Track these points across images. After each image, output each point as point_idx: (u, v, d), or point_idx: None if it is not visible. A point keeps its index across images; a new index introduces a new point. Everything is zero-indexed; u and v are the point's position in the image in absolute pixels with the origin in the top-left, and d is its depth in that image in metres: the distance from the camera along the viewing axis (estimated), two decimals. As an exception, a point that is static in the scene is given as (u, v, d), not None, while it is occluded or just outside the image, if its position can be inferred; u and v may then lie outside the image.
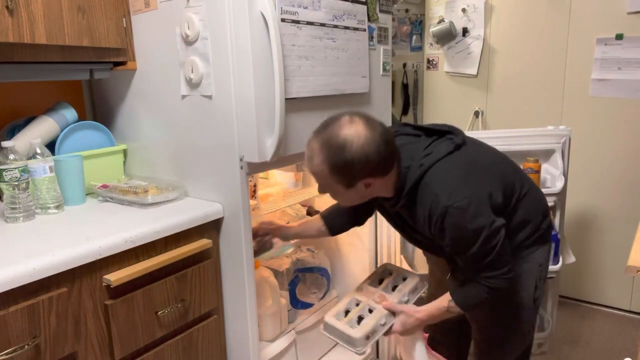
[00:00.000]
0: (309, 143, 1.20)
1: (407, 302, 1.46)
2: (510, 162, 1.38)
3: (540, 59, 2.62)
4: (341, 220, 1.58)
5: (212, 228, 1.45)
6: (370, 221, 2.00)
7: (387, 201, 1.32)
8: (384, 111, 1.89)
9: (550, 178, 1.98)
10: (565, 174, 1.93)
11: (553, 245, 1.52)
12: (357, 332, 1.35)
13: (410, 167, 1.22)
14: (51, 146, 1.51)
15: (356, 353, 1.35)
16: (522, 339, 1.44)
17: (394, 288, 1.51)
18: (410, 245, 2.05)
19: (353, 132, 1.13)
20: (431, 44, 2.94)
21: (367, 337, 1.35)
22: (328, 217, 1.59)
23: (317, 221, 1.60)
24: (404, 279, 1.54)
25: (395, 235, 1.97)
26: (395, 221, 1.41)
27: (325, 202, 2.14)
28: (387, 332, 1.37)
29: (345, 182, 1.19)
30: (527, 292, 1.37)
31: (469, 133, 1.75)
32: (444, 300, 1.30)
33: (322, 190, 1.27)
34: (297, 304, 1.98)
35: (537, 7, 2.59)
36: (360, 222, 1.61)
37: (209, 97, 1.41)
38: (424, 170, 1.21)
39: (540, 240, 1.38)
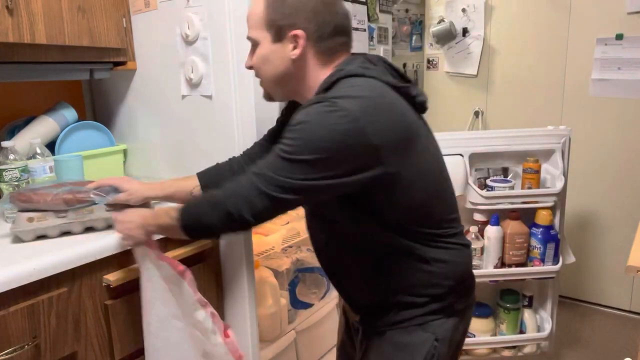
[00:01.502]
0: None
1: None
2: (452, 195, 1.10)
3: (540, 59, 2.62)
4: (220, 170, 1.29)
5: (212, 228, 1.44)
6: (370, 221, 2.01)
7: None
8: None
9: (550, 178, 1.98)
10: (565, 174, 1.93)
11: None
12: None
13: (343, 69, 0.98)
14: (51, 146, 1.51)
15: None
16: None
17: None
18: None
19: None
20: (431, 44, 2.94)
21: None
22: (205, 175, 1.28)
23: (190, 182, 1.28)
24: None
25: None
26: None
27: (325, 202, 2.13)
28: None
29: (276, 26, 0.98)
30: None
31: (469, 134, 1.76)
32: (168, 209, 1.04)
33: (249, 56, 1.05)
34: (297, 304, 1.98)
35: (537, 7, 2.59)
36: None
37: (209, 97, 1.41)
38: (350, 73, 0.96)
39: (448, 310, 1.04)
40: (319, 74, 1.01)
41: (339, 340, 1.37)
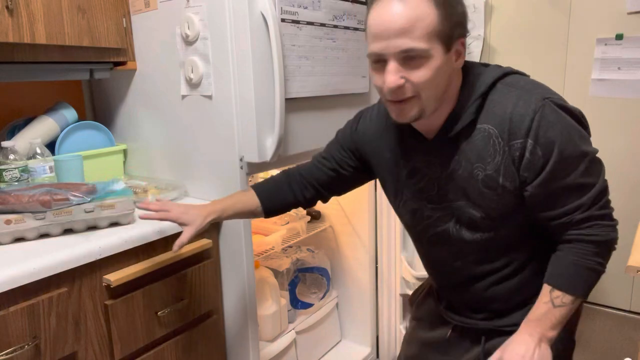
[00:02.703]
0: None
1: None
2: None
3: (540, 59, 2.62)
4: (283, 195, 1.16)
5: (212, 228, 1.44)
6: (370, 221, 2.01)
7: (420, 142, 0.95)
8: None
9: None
10: (565, 174, 1.93)
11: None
12: None
13: (482, 73, 0.91)
14: (51, 146, 1.51)
15: None
16: None
17: None
18: (411, 245, 2.04)
19: None
20: (431, 44, 2.94)
21: None
22: (264, 193, 1.16)
23: (250, 200, 1.15)
24: None
25: (396, 236, 1.96)
26: (432, 192, 0.98)
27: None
28: None
29: (446, 38, 0.83)
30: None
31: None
32: (543, 296, 0.92)
33: (393, 76, 0.84)
34: (297, 304, 1.98)
35: (537, 7, 2.59)
36: (321, 196, 1.18)
37: (209, 97, 1.41)
38: (501, 73, 0.91)
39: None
40: (456, 82, 0.91)
41: (415, 343, 1.26)
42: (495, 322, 1.04)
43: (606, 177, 0.97)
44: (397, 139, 0.99)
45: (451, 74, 0.88)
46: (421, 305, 1.25)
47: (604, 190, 0.89)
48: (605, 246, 0.91)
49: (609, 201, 0.91)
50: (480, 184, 0.90)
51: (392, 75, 0.83)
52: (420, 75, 0.83)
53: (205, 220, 1.09)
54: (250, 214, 1.17)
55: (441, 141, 0.92)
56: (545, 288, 0.92)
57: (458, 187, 0.93)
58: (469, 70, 0.93)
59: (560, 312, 0.91)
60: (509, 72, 0.93)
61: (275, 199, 1.16)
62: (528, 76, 0.97)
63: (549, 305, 0.91)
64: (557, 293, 0.91)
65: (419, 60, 0.82)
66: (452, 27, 0.83)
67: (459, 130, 0.90)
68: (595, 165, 0.88)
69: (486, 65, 0.95)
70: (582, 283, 0.91)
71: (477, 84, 0.90)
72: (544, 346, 0.92)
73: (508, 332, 0.98)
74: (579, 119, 0.89)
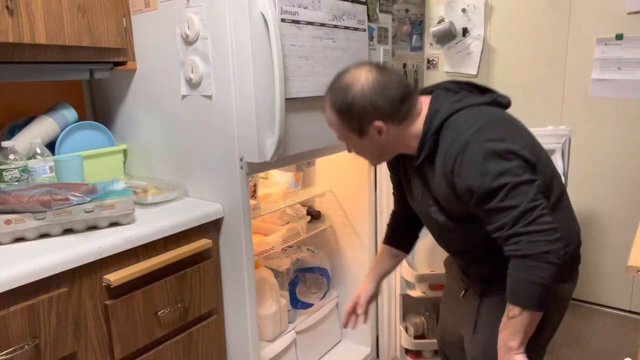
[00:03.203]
0: (324, 97, 1.19)
1: None
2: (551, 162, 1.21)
3: (540, 58, 2.62)
4: (403, 231, 1.45)
5: (212, 228, 1.45)
6: (370, 221, 2.01)
7: (411, 160, 1.20)
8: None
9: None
10: (565, 174, 1.93)
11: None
12: None
13: (439, 110, 1.11)
14: (51, 146, 1.51)
15: None
16: None
17: None
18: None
19: (357, 75, 1.11)
20: (431, 44, 2.94)
21: None
22: (392, 238, 1.46)
23: (387, 252, 1.46)
24: None
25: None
26: (419, 198, 1.24)
27: (326, 203, 2.14)
28: None
29: (356, 128, 1.12)
30: (546, 332, 1.15)
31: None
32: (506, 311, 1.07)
33: (347, 146, 1.22)
34: (297, 304, 1.98)
35: (537, 7, 2.59)
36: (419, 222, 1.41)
37: (209, 97, 1.41)
38: (451, 111, 1.09)
39: (562, 276, 1.12)
40: (410, 130, 1.14)
41: (444, 299, 1.52)
42: (489, 286, 1.22)
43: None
44: (402, 161, 1.28)
45: (389, 139, 1.14)
46: (450, 267, 1.49)
47: (531, 209, 0.99)
48: (537, 259, 0.99)
49: (539, 217, 0.99)
50: (441, 197, 1.14)
51: (346, 146, 1.23)
52: (352, 151, 1.22)
53: (376, 284, 1.46)
54: (397, 262, 1.47)
55: (419, 165, 1.17)
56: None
57: (431, 197, 1.19)
58: (432, 104, 1.14)
59: (515, 323, 1.03)
60: (458, 110, 1.10)
61: (401, 239, 1.46)
62: (485, 100, 1.14)
63: (506, 317, 1.06)
64: (509, 306, 1.04)
65: (348, 142, 1.20)
66: (355, 123, 1.12)
67: (424, 158, 1.14)
68: (517, 191, 1.00)
69: (458, 88, 1.17)
70: (523, 295, 1.01)
71: (433, 122, 1.11)
72: (512, 356, 1.05)
73: (497, 292, 1.15)
74: (500, 154, 1.01)
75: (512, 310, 1.03)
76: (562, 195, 1.17)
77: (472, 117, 1.07)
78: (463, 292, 1.33)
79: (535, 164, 1.06)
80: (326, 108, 1.17)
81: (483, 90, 1.19)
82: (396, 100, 1.10)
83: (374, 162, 1.26)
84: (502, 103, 1.17)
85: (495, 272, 1.13)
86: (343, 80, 1.12)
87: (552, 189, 1.13)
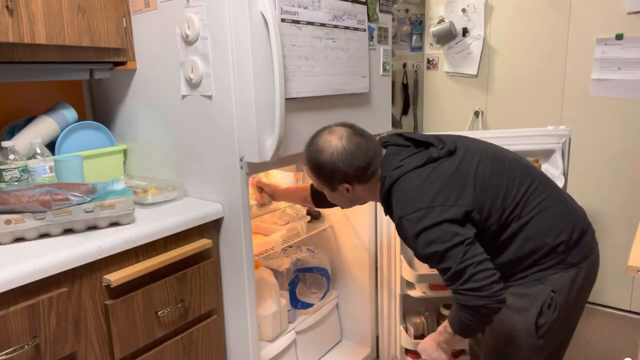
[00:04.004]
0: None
1: None
2: (520, 169, 1.30)
3: (540, 58, 2.62)
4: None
5: (212, 228, 1.45)
6: (370, 221, 2.01)
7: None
8: (384, 111, 1.89)
9: (550, 178, 1.97)
10: (565, 174, 1.93)
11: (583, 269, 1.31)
12: None
13: (386, 177, 1.29)
14: (51, 146, 1.51)
15: None
16: None
17: None
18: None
19: (327, 142, 1.28)
20: (431, 44, 2.94)
21: None
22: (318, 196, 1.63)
23: (305, 190, 1.69)
24: None
25: (395, 236, 1.96)
26: None
27: (325, 202, 2.13)
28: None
29: (328, 185, 1.33)
30: (529, 315, 1.27)
31: (469, 133, 1.76)
32: (446, 323, 1.30)
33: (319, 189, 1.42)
34: (297, 304, 1.98)
35: (537, 7, 2.59)
36: None
37: (209, 97, 1.41)
38: (390, 183, 1.27)
39: (562, 265, 1.27)
40: (374, 184, 1.32)
41: None
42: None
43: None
44: None
45: (355, 193, 1.33)
46: None
47: (461, 270, 1.15)
48: (470, 309, 1.17)
49: (472, 275, 1.15)
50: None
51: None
52: (327, 197, 1.41)
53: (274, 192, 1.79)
54: (302, 201, 1.74)
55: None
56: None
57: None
58: (382, 170, 1.30)
59: (446, 336, 1.30)
60: (397, 178, 1.26)
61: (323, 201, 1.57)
62: (420, 163, 1.27)
63: (442, 328, 1.31)
64: (448, 325, 1.27)
65: (323, 190, 1.38)
66: (326, 180, 1.32)
67: (386, 206, 1.32)
68: (447, 255, 1.16)
69: (401, 148, 1.33)
70: (456, 325, 1.24)
71: (383, 189, 1.29)
72: (440, 351, 1.33)
73: (507, 286, 1.28)
74: (427, 228, 1.18)
75: (447, 327, 1.27)
76: (530, 199, 1.27)
77: (405, 186, 1.24)
78: None
79: (472, 210, 1.20)
80: (304, 161, 1.35)
81: (426, 144, 1.31)
82: (361, 168, 1.27)
83: (346, 207, 1.48)
84: (439, 157, 1.27)
85: (502, 272, 1.23)
86: (318, 144, 1.29)
87: (505, 204, 1.25)
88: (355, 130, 1.30)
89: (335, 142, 1.27)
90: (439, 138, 1.32)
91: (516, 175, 1.28)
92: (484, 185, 1.24)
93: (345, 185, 1.30)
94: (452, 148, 1.29)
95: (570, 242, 1.27)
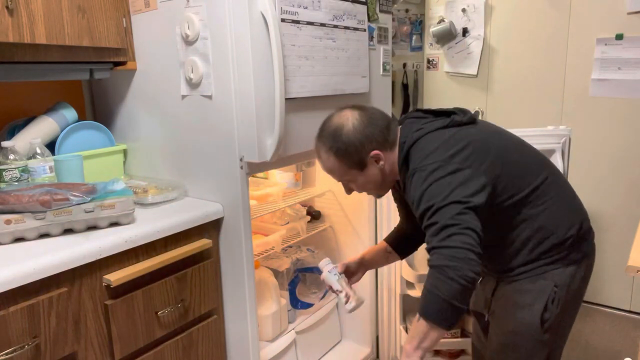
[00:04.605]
0: (315, 147, 1.28)
1: None
2: (538, 160, 1.29)
3: (540, 58, 2.62)
4: (404, 239, 1.53)
5: (212, 228, 1.45)
6: (370, 221, 2.01)
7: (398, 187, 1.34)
8: (384, 111, 1.89)
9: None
10: (565, 174, 1.93)
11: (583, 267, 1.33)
12: None
13: (406, 141, 1.24)
14: (51, 146, 1.51)
15: None
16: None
17: None
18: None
19: (342, 117, 1.23)
20: (431, 44, 2.94)
21: None
22: (393, 238, 1.54)
23: (382, 245, 1.55)
24: None
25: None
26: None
27: (326, 203, 2.14)
28: None
29: (356, 163, 1.23)
30: (534, 310, 1.26)
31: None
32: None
33: (347, 188, 1.33)
34: (297, 304, 1.98)
35: (537, 7, 2.59)
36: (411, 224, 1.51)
37: (209, 97, 1.41)
38: (409, 144, 1.22)
39: (564, 260, 1.26)
40: (396, 156, 1.26)
41: None
42: (500, 275, 1.33)
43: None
44: (394, 186, 1.39)
45: (382, 167, 1.25)
46: None
47: (449, 226, 1.07)
48: (439, 271, 1.05)
49: (453, 234, 1.06)
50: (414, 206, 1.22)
51: (344, 189, 1.35)
52: (355, 187, 1.32)
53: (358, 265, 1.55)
54: (386, 260, 1.57)
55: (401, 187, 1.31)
56: None
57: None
58: (401, 136, 1.26)
59: (414, 326, 1.10)
60: (416, 139, 1.22)
61: (399, 244, 1.54)
62: (443, 124, 1.24)
63: (414, 327, 1.11)
64: (417, 317, 1.11)
65: (350, 182, 1.30)
66: (355, 159, 1.23)
67: (404, 180, 1.26)
68: (442, 211, 1.09)
69: (423, 115, 1.30)
70: (423, 303, 1.09)
71: (402, 152, 1.24)
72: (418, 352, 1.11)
73: (510, 281, 1.29)
74: (436, 179, 1.13)
75: (419, 320, 1.09)
76: (547, 188, 1.25)
77: (426, 145, 1.20)
78: (480, 279, 1.40)
79: (487, 181, 1.15)
80: (322, 155, 1.26)
81: (447, 114, 1.28)
82: (384, 128, 1.23)
83: (378, 193, 1.36)
84: (462, 122, 1.25)
85: (506, 262, 1.26)
86: (332, 125, 1.24)
87: (522, 185, 1.21)
88: (360, 105, 1.28)
89: (350, 115, 1.23)
90: (459, 109, 1.30)
91: (536, 162, 1.27)
92: (505, 160, 1.20)
93: (375, 153, 1.22)
94: (475, 118, 1.27)
95: (577, 238, 1.28)
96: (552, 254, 1.25)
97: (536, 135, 1.96)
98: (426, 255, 2.03)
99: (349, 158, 1.23)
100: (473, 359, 1.65)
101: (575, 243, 1.28)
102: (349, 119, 1.22)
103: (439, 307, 1.05)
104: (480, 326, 1.55)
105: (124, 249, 1.20)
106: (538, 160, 1.28)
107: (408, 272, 1.93)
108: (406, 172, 1.22)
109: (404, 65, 2.96)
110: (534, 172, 1.24)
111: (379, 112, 1.26)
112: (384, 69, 1.85)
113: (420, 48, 2.98)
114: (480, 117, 2.86)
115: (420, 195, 1.13)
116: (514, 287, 1.29)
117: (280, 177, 2.06)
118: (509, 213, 1.22)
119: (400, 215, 1.53)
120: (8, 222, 1.13)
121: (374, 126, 1.22)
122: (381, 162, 1.24)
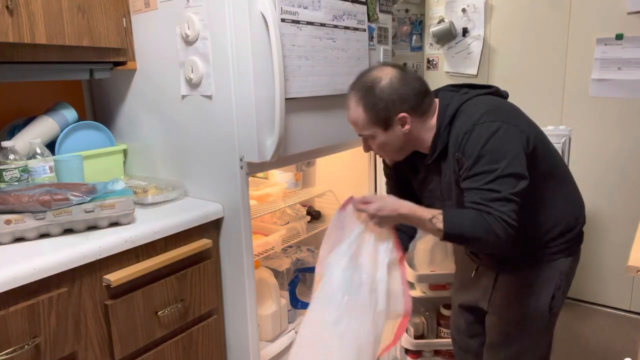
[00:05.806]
0: (347, 96, 1.26)
1: None
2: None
3: (540, 58, 2.62)
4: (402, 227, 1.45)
5: (212, 228, 1.45)
6: (370, 221, 2.00)
7: (422, 160, 1.29)
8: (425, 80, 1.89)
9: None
10: (565, 174, 1.93)
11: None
12: None
13: (449, 104, 1.23)
14: (51, 146, 1.51)
15: None
16: (535, 350, 1.38)
17: None
18: (410, 245, 2.04)
19: (381, 72, 1.21)
20: (431, 44, 2.94)
21: None
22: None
23: None
24: None
25: (395, 235, 1.96)
26: (437, 193, 1.32)
27: (326, 203, 2.14)
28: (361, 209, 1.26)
29: (382, 121, 1.20)
30: (542, 298, 1.31)
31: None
32: (433, 211, 1.16)
33: (365, 144, 1.29)
34: (297, 304, 1.98)
35: (537, 7, 2.59)
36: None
37: (209, 97, 1.41)
38: (456, 106, 1.21)
39: (567, 250, 1.32)
40: (427, 126, 1.24)
41: (458, 281, 1.62)
42: (500, 265, 1.36)
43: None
44: (412, 160, 1.34)
45: (410, 132, 1.22)
46: (457, 251, 1.63)
47: (508, 200, 1.10)
48: (485, 226, 1.10)
49: (511, 212, 1.10)
50: (454, 185, 1.24)
51: (363, 146, 1.32)
52: (374, 145, 1.27)
53: None
54: None
55: (433, 161, 1.26)
56: (438, 210, 1.16)
57: (447, 189, 1.27)
58: (442, 101, 1.25)
59: (424, 225, 1.17)
60: (466, 100, 1.21)
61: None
62: (489, 90, 1.27)
63: (426, 217, 1.15)
64: (440, 218, 1.14)
65: (370, 138, 1.26)
66: (381, 116, 1.19)
67: (439, 153, 1.23)
68: (503, 180, 1.10)
69: (458, 89, 1.28)
70: (454, 224, 1.13)
71: (446, 114, 1.22)
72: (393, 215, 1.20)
73: (509, 272, 1.35)
74: (501, 138, 1.13)
75: (438, 221, 1.13)
76: (565, 174, 1.32)
77: (480, 104, 1.19)
78: (473, 271, 1.45)
79: (535, 146, 1.19)
80: (350, 104, 1.23)
81: (483, 87, 1.30)
82: (421, 93, 1.20)
83: (394, 157, 1.32)
84: (503, 94, 1.31)
85: (508, 254, 1.27)
86: (369, 77, 1.21)
87: (555, 166, 1.28)
88: (402, 65, 1.28)
89: (390, 71, 1.20)
90: (492, 86, 1.33)
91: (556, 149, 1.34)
92: (540, 133, 1.26)
93: (403, 115, 1.19)
94: (507, 95, 1.33)
95: (581, 226, 1.34)
96: (561, 240, 1.29)
97: (536, 135, 1.96)
98: (426, 256, 2.04)
99: (377, 114, 1.19)
100: (456, 355, 1.67)
101: (580, 231, 1.34)
102: (387, 75, 1.19)
103: (462, 226, 1.12)
104: (465, 321, 1.57)
105: (124, 249, 1.20)
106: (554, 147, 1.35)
107: (408, 272, 1.93)
108: (448, 135, 1.20)
109: (404, 65, 2.96)
110: (558, 153, 1.32)
111: (420, 78, 1.24)
112: (384, 69, 1.84)
113: (420, 48, 2.98)
114: (480, 117, 2.86)
115: (480, 152, 1.12)
116: (521, 275, 1.33)
117: (280, 177, 2.06)
118: (540, 182, 1.23)
119: (391, 193, 1.48)
120: (8, 222, 1.13)
121: (410, 88, 1.19)
122: (407, 127, 1.21)
